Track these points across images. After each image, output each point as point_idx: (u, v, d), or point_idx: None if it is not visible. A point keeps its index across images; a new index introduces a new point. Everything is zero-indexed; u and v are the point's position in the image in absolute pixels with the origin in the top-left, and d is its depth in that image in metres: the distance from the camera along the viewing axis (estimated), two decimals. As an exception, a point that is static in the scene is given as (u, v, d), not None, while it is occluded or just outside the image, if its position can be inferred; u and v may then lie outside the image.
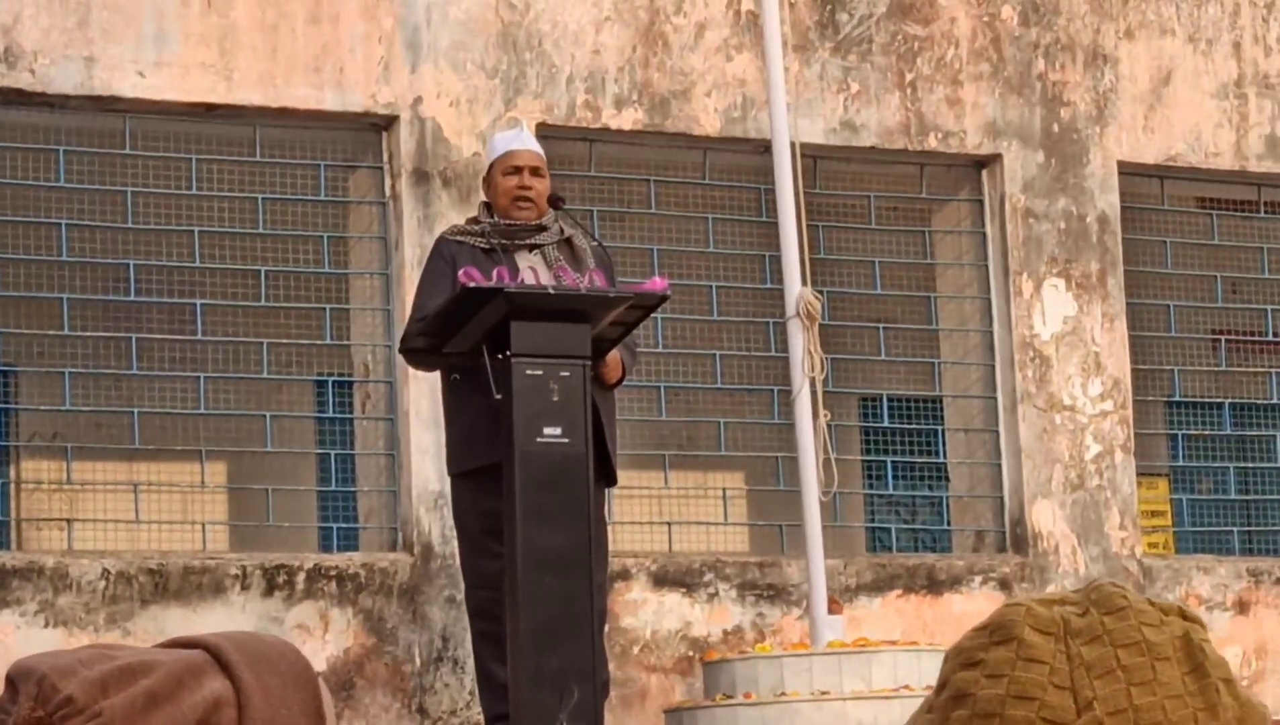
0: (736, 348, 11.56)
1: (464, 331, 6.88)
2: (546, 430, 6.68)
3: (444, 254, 7.52)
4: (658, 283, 7.29)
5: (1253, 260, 13.02)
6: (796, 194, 8.78)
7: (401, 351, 7.77)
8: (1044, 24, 12.04)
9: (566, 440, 6.75)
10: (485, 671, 7.80)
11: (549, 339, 6.72)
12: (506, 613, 7.00)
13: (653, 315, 8.36)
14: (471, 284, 6.64)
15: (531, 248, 7.56)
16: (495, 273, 6.85)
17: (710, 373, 11.49)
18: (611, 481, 7.94)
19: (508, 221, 7.56)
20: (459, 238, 7.62)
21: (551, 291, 6.79)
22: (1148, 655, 1.55)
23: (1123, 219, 12.21)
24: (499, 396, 6.62)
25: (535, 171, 7.61)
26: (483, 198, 7.98)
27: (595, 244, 7.99)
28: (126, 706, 2.05)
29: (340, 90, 10.23)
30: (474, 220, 7.76)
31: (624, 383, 7.99)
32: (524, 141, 7.77)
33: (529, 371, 6.65)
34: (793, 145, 8.86)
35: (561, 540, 6.80)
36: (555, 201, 7.60)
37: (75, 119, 10.21)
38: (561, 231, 7.69)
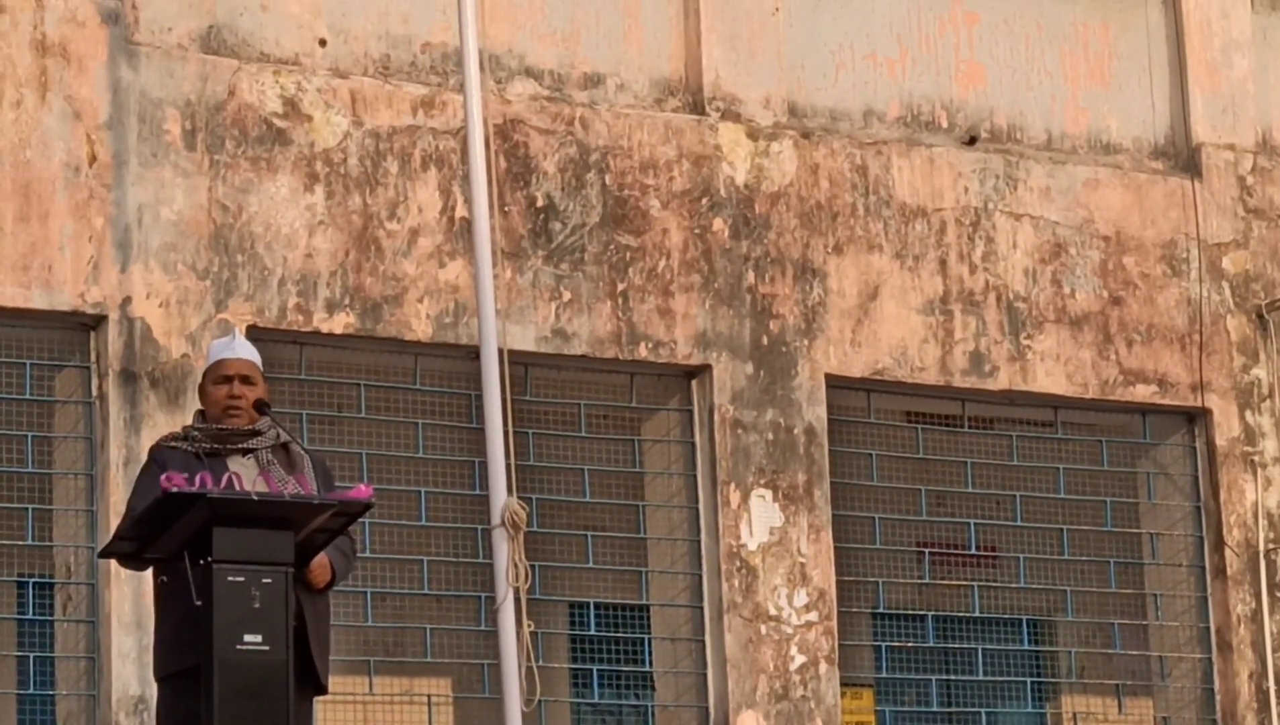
0: (444, 554, 11.72)
1: (166, 536, 6.90)
2: (247, 638, 6.64)
3: (157, 460, 7.49)
4: (363, 490, 7.37)
5: (957, 474, 13.57)
6: (504, 402, 8.99)
7: (103, 555, 7.75)
8: (754, 237, 12.54)
9: (267, 648, 6.70)
10: None
11: (251, 546, 6.71)
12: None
13: (361, 520, 8.40)
14: (174, 489, 6.64)
15: (245, 452, 7.62)
16: (199, 478, 6.87)
17: (418, 578, 11.62)
18: (319, 690, 7.67)
19: (220, 427, 7.60)
20: (173, 444, 7.60)
21: (255, 498, 6.80)
22: None
23: (830, 431, 12.69)
24: (199, 603, 6.65)
25: (245, 380, 7.61)
26: (199, 406, 7.95)
27: (309, 450, 8.03)
28: None
29: (48, 289, 10.27)
30: (190, 427, 7.77)
31: (335, 586, 8.00)
32: (234, 350, 7.77)
33: (230, 578, 6.62)
34: (501, 352, 9.05)
35: (259, 751, 6.74)
36: (260, 407, 7.65)
37: None
38: (278, 436, 7.72)
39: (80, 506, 10.57)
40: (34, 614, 10.94)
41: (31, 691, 10.72)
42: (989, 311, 13.33)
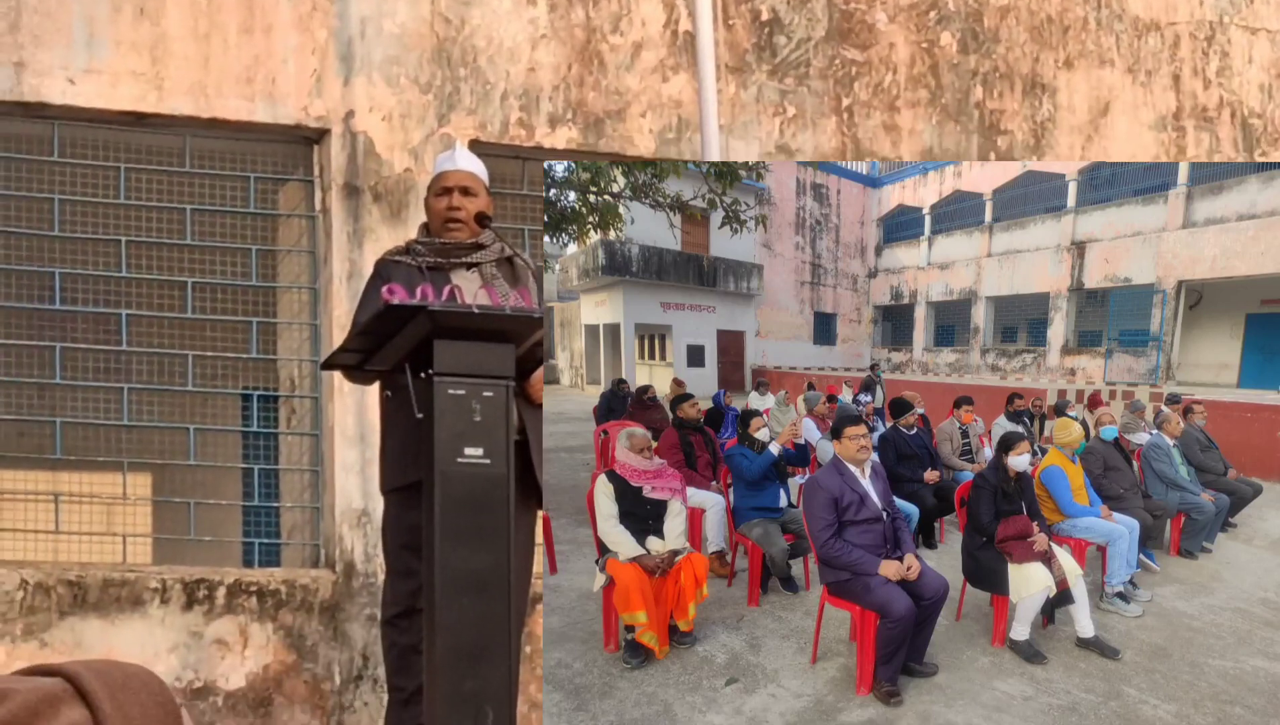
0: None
1: (387, 349, 6.88)
2: (468, 451, 6.61)
3: (381, 274, 7.51)
4: (582, 304, 7.29)
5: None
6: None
7: (325, 367, 7.74)
8: (983, 52, 12.21)
9: (488, 461, 6.66)
10: (391, 684, 7.71)
11: (472, 358, 6.65)
12: (424, 632, 6.91)
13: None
14: (395, 301, 6.60)
15: (469, 266, 7.59)
16: (420, 290, 6.81)
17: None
18: (541, 503, 7.75)
19: (443, 242, 7.56)
20: (396, 258, 7.59)
21: (476, 311, 6.72)
22: None
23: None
24: (420, 416, 6.63)
25: (466, 191, 7.58)
26: (422, 220, 7.88)
27: (535, 265, 7.95)
28: (-24, 736, 1.95)
29: (272, 102, 10.25)
30: (414, 241, 7.72)
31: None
32: (455, 162, 7.70)
33: (451, 391, 6.59)
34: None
35: (480, 563, 6.65)
36: (481, 219, 7.58)
37: (2, 125, 10.12)
38: (502, 250, 7.69)
39: (304, 320, 10.62)
40: (258, 426, 11.02)
41: (256, 503, 10.81)
42: (1223, 128, 12.93)
